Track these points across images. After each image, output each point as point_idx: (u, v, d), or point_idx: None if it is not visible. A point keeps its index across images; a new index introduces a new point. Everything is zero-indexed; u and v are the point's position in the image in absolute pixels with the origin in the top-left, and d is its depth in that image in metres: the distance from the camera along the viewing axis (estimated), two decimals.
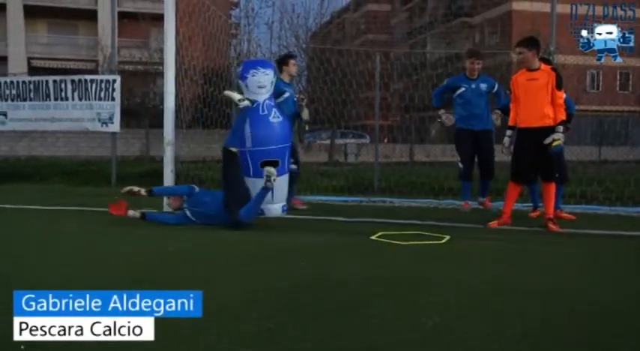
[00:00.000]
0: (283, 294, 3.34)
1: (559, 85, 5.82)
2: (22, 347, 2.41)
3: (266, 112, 6.81)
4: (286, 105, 7.16)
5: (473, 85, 7.01)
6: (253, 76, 6.80)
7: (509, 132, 6.16)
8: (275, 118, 6.89)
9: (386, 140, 21.63)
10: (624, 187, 8.49)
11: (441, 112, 7.25)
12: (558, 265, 4.33)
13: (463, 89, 7.04)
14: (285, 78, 7.43)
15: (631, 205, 7.69)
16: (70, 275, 3.80)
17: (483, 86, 7.05)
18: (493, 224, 5.98)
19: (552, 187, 5.95)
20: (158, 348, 2.44)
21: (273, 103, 6.94)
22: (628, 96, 33.29)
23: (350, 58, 12.82)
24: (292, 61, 7.60)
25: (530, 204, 7.21)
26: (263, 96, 6.84)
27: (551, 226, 5.85)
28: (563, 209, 6.93)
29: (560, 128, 5.77)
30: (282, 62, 7.59)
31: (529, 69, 5.94)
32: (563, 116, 5.80)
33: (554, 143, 5.74)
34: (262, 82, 6.82)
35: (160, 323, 2.74)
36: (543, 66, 5.94)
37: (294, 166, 7.19)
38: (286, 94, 7.21)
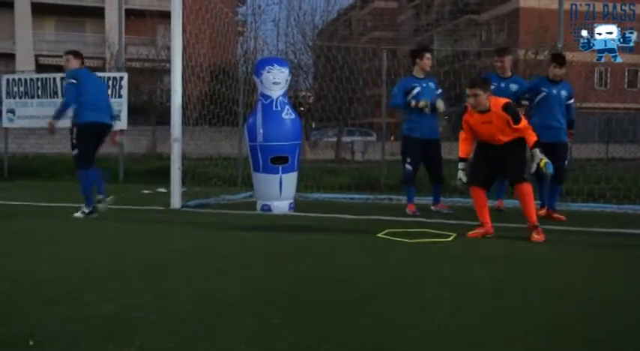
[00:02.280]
0: (288, 290, 3.35)
1: (517, 121, 5.18)
2: (31, 343, 2.43)
3: (279, 108, 6.93)
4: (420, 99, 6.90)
5: (502, 85, 6.78)
6: (268, 72, 6.94)
7: (462, 165, 5.49)
8: (287, 114, 6.97)
9: (392, 138, 21.58)
10: (632, 185, 8.45)
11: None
12: (565, 263, 4.32)
13: (492, 87, 6.88)
14: (418, 73, 7.03)
15: (639, 203, 7.65)
16: (77, 269, 3.82)
17: (513, 87, 6.81)
18: (474, 234, 5.33)
19: (527, 188, 5.25)
20: (164, 345, 2.45)
21: (286, 100, 7.03)
22: (636, 93, 33.10)
23: (357, 56, 12.83)
24: (427, 55, 7.06)
25: (539, 202, 7.17)
26: (277, 92, 6.94)
27: (535, 235, 5.17)
28: (556, 209, 6.82)
29: (537, 150, 5.14)
30: (416, 55, 7.11)
31: (480, 111, 5.28)
32: (534, 137, 5.18)
33: (542, 164, 5.11)
34: (277, 78, 6.93)
35: (163, 318, 2.76)
36: (493, 105, 5.24)
37: None
38: (416, 90, 6.88)
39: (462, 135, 5.53)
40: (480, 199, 5.42)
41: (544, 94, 6.61)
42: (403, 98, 6.90)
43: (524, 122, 5.25)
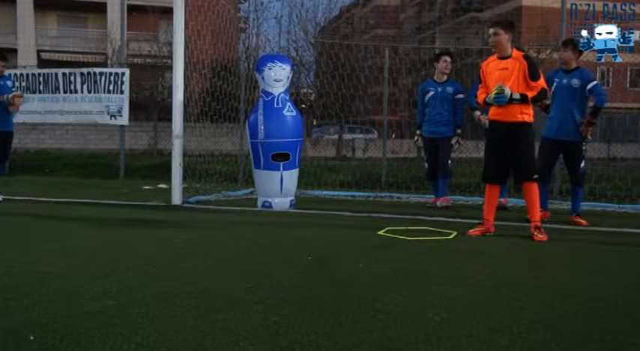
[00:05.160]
0: (289, 288, 3.35)
1: (534, 76, 5.05)
2: (32, 338, 2.44)
3: (280, 105, 6.94)
4: (432, 103, 7.17)
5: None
6: (270, 69, 6.96)
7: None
8: (289, 112, 6.98)
9: (394, 135, 21.55)
10: (633, 185, 8.45)
11: (477, 113, 6.93)
12: (565, 262, 4.32)
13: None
14: (438, 76, 7.23)
15: None
16: (78, 264, 3.82)
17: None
18: (474, 232, 5.32)
19: (534, 187, 5.21)
20: (165, 341, 2.46)
21: (287, 97, 7.05)
22: (638, 93, 33.06)
23: (359, 53, 12.81)
24: (443, 58, 7.22)
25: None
26: (278, 89, 6.96)
27: (538, 235, 5.14)
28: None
29: (518, 95, 5.01)
30: (435, 59, 7.41)
31: (500, 56, 5.21)
32: (535, 93, 5.07)
33: (493, 94, 5.03)
34: (278, 75, 6.96)
35: (164, 314, 2.77)
36: (515, 52, 5.18)
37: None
38: (429, 94, 7.21)
39: (481, 89, 5.41)
40: (490, 197, 5.39)
41: (555, 85, 6.16)
42: (421, 117, 7.43)
43: (541, 82, 5.15)
